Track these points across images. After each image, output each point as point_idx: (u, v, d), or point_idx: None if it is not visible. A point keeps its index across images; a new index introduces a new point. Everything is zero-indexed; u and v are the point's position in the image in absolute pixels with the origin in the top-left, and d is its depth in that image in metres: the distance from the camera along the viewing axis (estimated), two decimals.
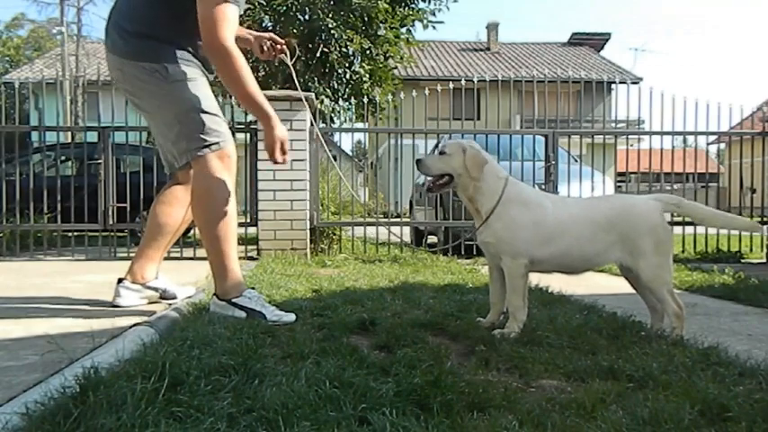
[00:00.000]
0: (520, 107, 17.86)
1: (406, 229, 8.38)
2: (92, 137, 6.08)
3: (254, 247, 5.67)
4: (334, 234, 6.14)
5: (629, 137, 14.85)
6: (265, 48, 2.92)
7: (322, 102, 7.21)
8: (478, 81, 6.44)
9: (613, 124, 12.25)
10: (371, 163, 18.10)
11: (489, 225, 2.34)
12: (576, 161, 6.99)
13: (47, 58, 27.85)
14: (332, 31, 7.69)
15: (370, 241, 6.33)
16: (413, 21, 8.84)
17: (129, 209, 5.85)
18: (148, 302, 2.82)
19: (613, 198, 2.50)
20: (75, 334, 2.18)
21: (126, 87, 2.64)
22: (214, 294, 2.56)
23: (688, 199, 5.87)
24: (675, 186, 6.41)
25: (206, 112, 2.53)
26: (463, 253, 5.74)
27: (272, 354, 1.87)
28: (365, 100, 8.00)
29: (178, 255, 5.39)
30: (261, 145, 5.53)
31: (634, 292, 2.52)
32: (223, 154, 2.56)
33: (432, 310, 2.66)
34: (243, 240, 5.75)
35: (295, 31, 7.81)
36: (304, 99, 3.61)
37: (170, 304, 2.80)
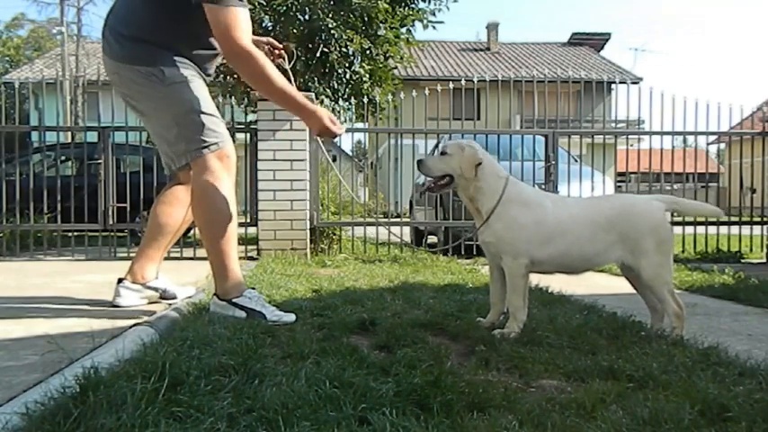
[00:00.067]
0: (520, 107, 17.86)
1: (407, 229, 8.38)
2: (92, 137, 6.08)
3: (254, 247, 5.68)
4: (334, 234, 6.14)
5: (629, 137, 14.85)
6: (264, 52, 2.92)
7: (322, 102, 7.21)
8: (478, 81, 6.44)
9: (613, 124, 12.25)
10: (371, 163, 18.10)
11: (490, 225, 2.34)
12: (576, 161, 6.99)
13: (47, 58, 27.85)
14: (332, 31, 7.69)
15: (370, 241, 6.33)
16: (413, 21, 8.83)
17: (129, 209, 5.85)
18: (148, 302, 2.82)
19: (614, 198, 2.50)
20: (75, 334, 2.18)
21: (123, 91, 2.65)
22: (214, 294, 2.56)
23: (688, 199, 5.85)
24: (675, 186, 6.41)
25: (204, 113, 2.53)
26: (463, 253, 5.74)
27: (272, 354, 1.87)
28: (365, 100, 7.99)
29: (178, 255, 5.39)
30: (261, 145, 5.54)
31: (634, 292, 2.52)
32: (222, 154, 2.56)
33: (432, 310, 2.66)
34: (243, 240, 5.75)
35: (295, 31, 7.81)
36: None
37: (170, 304, 2.80)
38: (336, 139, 8.55)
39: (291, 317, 2.46)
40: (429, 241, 8.08)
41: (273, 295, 3.04)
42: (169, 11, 2.50)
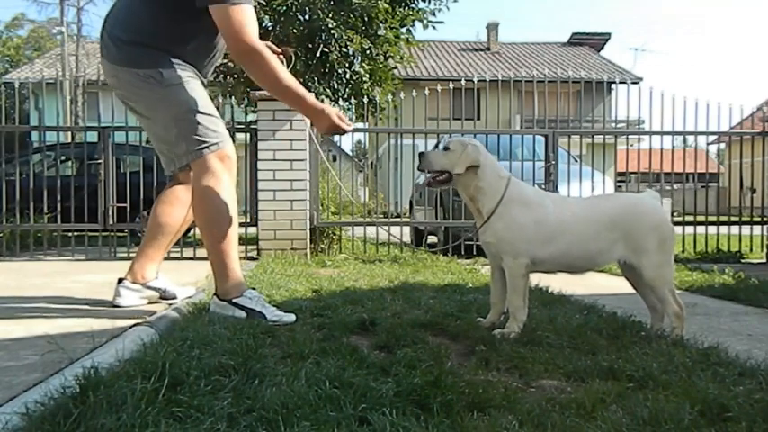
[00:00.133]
0: (520, 107, 17.87)
1: (406, 229, 8.38)
2: (92, 137, 6.08)
3: (254, 247, 5.68)
4: (334, 234, 6.14)
5: (629, 137, 14.86)
6: None
7: (322, 102, 7.21)
8: (478, 81, 6.44)
9: (613, 124, 12.25)
10: (371, 163, 18.10)
11: (490, 225, 2.34)
12: (576, 161, 6.99)
13: (47, 58, 27.85)
14: (332, 31, 7.68)
15: (370, 241, 6.33)
16: (413, 21, 8.82)
17: (129, 209, 5.85)
18: (149, 302, 2.82)
19: (616, 196, 2.50)
20: (75, 334, 2.17)
21: (122, 93, 2.65)
22: (214, 294, 2.56)
23: (688, 199, 5.85)
24: (675, 186, 6.41)
25: (203, 114, 2.53)
26: (463, 253, 5.74)
27: (272, 354, 1.87)
28: (365, 100, 7.99)
29: (178, 255, 5.39)
30: (261, 145, 5.54)
31: (634, 292, 2.52)
32: (223, 154, 2.56)
33: (432, 310, 2.65)
34: (243, 240, 5.75)
35: (295, 31, 7.81)
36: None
37: (170, 304, 2.80)
38: (336, 140, 8.49)
39: (291, 317, 2.46)
40: (429, 241, 8.08)
41: (273, 295, 3.04)
42: (170, 12, 2.50)
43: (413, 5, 8.85)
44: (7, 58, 38.49)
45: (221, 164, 2.54)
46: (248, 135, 5.84)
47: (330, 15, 7.71)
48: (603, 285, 3.94)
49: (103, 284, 3.30)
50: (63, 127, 10.25)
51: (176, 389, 1.44)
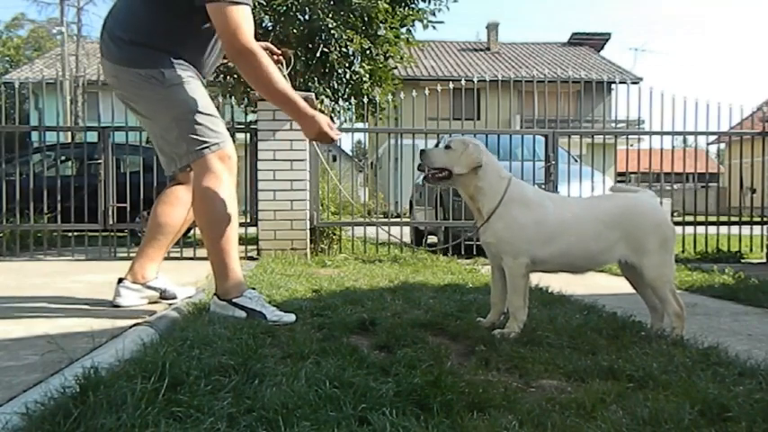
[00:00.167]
0: (520, 107, 17.87)
1: (407, 229, 8.38)
2: (92, 137, 6.08)
3: (254, 247, 5.68)
4: (334, 234, 6.14)
5: (629, 137, 14.85)
6: None
7: (322, 102, 7.20)
8: (478, 81, 6.44)
9: (613, 124, 12.26)
10: (371, 163, 18.10)
11: (490, 225, 2.34)
12: (576, 161, 6.99)
13: (47, 58, 27.85)
14: (332, 31, 7.68)
15: (370, 241, 6.33)
16: (413, 21, 8.82)
17: (129, 209, 5.85)
18: (149, 302, 2.82)
19: (617, 196, 2.50)
20: (75, 334, 2.17)
21: (122, 93, 2.65)
22: (214, 294, 2.56)
23: (688, 199, 5.85)
24: (675, 186, 6.41)
25: (204, 114, 2.53)
26: (463, 253, 5.74)
27: (272, 354, 1.87)
28: (365, 100, 7.99)
29: (178, 255, 5.39)
30: (261, 145, 5.54)
31: (634, 292, 2.52)
32: (223, 154, 2.56)
33: (432, 310, 2.65)
34: (243, 240, 5.74)
35: (295, 31, 7.80)
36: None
37: (170, 304, 2.80)
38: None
39: (291, 317, 2.46)
40: (429, 241, 8.08)
41: (273, 295, 3.04)
42: (170, 12, 2.50)
43: (413, 5, 8.85)
44: (7, 58, 38.50)
45: (222, 164, 2.54)
46: (248, 135, 5.84)
47: (330, 15, 7.71)
48: (603, 285, 3.94)
49: (103, 284, 3.30)
50: (63, 127, 10.26)
51: (176, 389, 1.44)
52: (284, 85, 2.45)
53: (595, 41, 30.92)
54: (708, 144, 25.98)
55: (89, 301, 2.95)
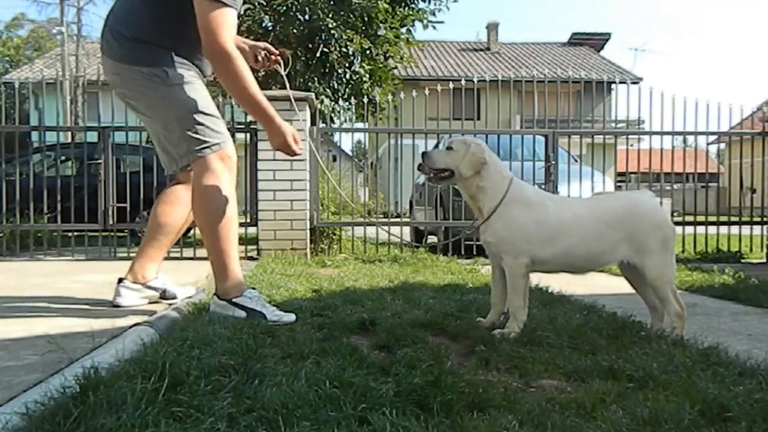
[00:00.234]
0: (520, 107, 17.86)
1: (406, 229, 8.38)
2: (92, 137, 6.08)
3: (254, 247, 5.68)
4: (334, 234, 6.14)
5: (629, 137, 14.85)
6: (260, 57, 2.93)
7: (322, 102, 7.20)
8: (478, 81, 6.44)
9: (613, 124, 12.25)
10: (371, 163, 18.10)
11: (491, 224, 2.34)
12: (576, 161, 6.99)
13: (47, 58, 27.86)
14: (332, 31, 7.68)
15: (370, 241, 6.33)
16: (413, 21, 8.82)
17: (129, 209, 5.85)
18: (149, 302, 2.82)
19: (618, 196, 2.50)
20: (75, 334, 2.18)
21: (124, 91, 2.64)
22: (214, 294, 2.56)
23: (688, 199, 5.84)
24: (675, 186, 6.41)
25: (205, 114, 2.54)
26: (463, 253, 5.74)
27: (272, 354, 1.87)
28: (365, 100, 7.99)
29: (178, 255, 5.39)
30: (261, 145, 5.54)
31: (634, 292, 2.52)
32: (224, 154, 2.56)
33: (432, 310, 2.65)
34: (243, 240, 5.74)
35: (295, 31, 7.80)
36: (292, 99, 3.63)
37: (170, 304, 2.80)
38: (336, 139, 8.43)
39: (291, 317, 2.46)
40: (429, 241, 8.08)
41: (273, 295, 3.04)
42: (169, 11, 2.50)
43: (413, 5, 8.85)
44: (7, 58, 38.50)
45: (222, 164, 2.54)
46: (248, 135, 5.83)
47: (330, 15, 7.71)
48: (603, 285, 3.94)
49: (103, 284, 3.30)
50: (63, 127, 10.25)
51: (176, 389, 1.44)
52: (257, 91, 2.44)
53: (595, 41, 30.92)
54: (708, 144, 26.00)
55: (89, 301, 2.95)
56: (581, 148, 8.14)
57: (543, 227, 2.31)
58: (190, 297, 2.96)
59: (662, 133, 6.28)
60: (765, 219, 6.32)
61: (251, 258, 5.46)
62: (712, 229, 6.44)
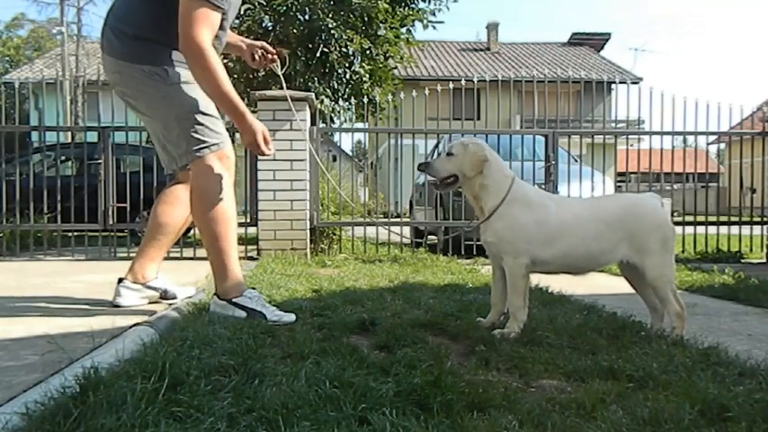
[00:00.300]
0: (520, 107, 17.86)
1: (406, 229, 8.38)
2: (92, 137, 6.08)
3: (254, 247, 5.68)
4: (334, 234, 6.14)
5: (629, 137, 14.85)
6: (257, 56, 2.93)
7: (322, 102, 7.20)
8: (478, 81, 6.44)
9: (613, 124, 12.25)
10: (371, 163, 18.10)
11: (491, 224, 2.34)
12: (576, 161, 6.99)
13: (47, 58, 27.86)
14: (332, 31, 7.68)
15: (370, 241, 6.33)
16: (413, 21, 8.82)
17: (129, 209, 5.86)
18: (149, 302, 2.82)
19: (618, 196, 2.50)
20: (75, 334, 2.18)
21: (123, 90, 2.64)
22: (214, 294, 2.56)
23: (688, 199, 5.84)
24: (675, 186, 6.41)
25: (204, 114, 2.54)
26: (463, 253, 5.74)
27: (272, 354, 1.87)
28: (365, 100, 7.99)
29: (178, 255, 5.39)
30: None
31: (634, 292, 2.52)
32: (222, 154, 2.56)
33: (432, 310, 2.66)
34: (243, 240, 5.75)
35: (295, 31, 7.80)
36: (290, 99, 3.64)
37: (170, 304, 2.80)
38: (336, 139, 8.44)
39: (291, 317, 2.46)
40: (429, 241, 8.08)
41: (273, 295, 3.04)
42: (168, 11, 2.50)
43: (413, 5, 8.85)
44: (7, 58, 38.50)
45: (220, 164, 2.55)
46: None
47: (330, 15, 7.71)
48: (603, 285, 3.94)
49: (103, 284, 3.30)
50: (63, 127, 10.26)
51: (176, 389, 1.44)
52: (229, 88, 2.44)
53: (595, 41, 30.92)
54: (708, 144, 26.00)
55: (89, 301, 2.95)
56: (581, 148, 8.14)
57: (544, 227, 2.31)
58: (190, 297, 2.96)
59: (662, 133, 6.28)
60: (765, 219, 6.32)
61: (251, 258, 5.46)
62: (712, 229, 6.44)
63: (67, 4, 25.91)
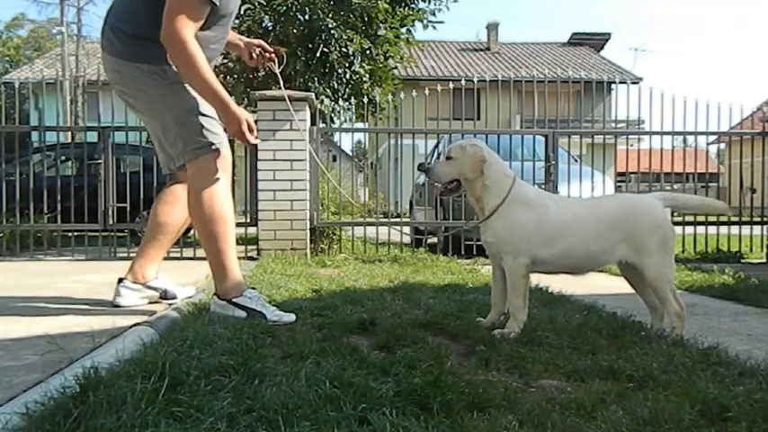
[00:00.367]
0: (520, 107, 17.86)
1: (406, 229, 8.38)
2: (92, 137, 6.08)
3: (254, 247, 5.67)
4: (334, 234, 6.14)
5: (629, 137, 14.84)
6: (254, 55, 2.93)
7: (322, 102, 7.20)
8: (478, 81, 6.44)
9: (613, 124, 12.25)
10: (371, 163, 18.10)
11: (491, 224, 2.34)
12: (576, 161, 6.99)
13: (47, 58, 27.87)
14: (332, 31, 7.68)
15: (370, 241, 6.33)
16: (413, 21, 8.82)
17: (129, 209, 5.86)
18: (149, 302, 2.82)
19: (617, 196, 2.51)
20: (75, 334, 2.18)
21: (123, 89, 2.64)
22: (214, 294, 2.56)
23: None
24: (675, 186, 6.41)
25: (202, 114, 2.54)
26: (463, 253, 5.74)
27: (272, 354, 1.87)
28: (365, 100, 7.99)
29: (178, 255, 5.39)
30: (261, 145, 5.53)
31: (634, 292, 2.52)
32: (220, 155, 2.56)
33: (432, 310, 2.66)
34: (243, 240, 5.76)
35: (295, 31, 7.80)
36: (288, 99, 3.64)
37: (170, 304, 2.80)
38: (336, 139, 8.45)
39: (291, 317, 2.46)
40: (429, 241, 8.08)
41: (273, 295, 3.04)
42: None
43: (413, 5, 8.85)
44: (7, 58, 38.50)
45: (218, 164, 2.54)
46: None
47: (330, 15, 7.71)
48: (603, 285, 3.94)
49: (103, 284, 3.30)
50: (63, 127, 10.26)
51: (176, 389, 1.44)
52: (210, 77, 2.42)
53: (595, 41, 30.92)
54: (708, 144, 25.98)
55: (89, 301, 2.95)
56: (581, 148, 8.14)
57: (543, 227, 2.31)
58: (190, 297, 2.96)
59: (662, 133, 6.27)
60: (765, 219, 6.32)
61: (251, 258, 5.46)
62: (712, 229, 6.44)
63: (67, 4, 25.95)
